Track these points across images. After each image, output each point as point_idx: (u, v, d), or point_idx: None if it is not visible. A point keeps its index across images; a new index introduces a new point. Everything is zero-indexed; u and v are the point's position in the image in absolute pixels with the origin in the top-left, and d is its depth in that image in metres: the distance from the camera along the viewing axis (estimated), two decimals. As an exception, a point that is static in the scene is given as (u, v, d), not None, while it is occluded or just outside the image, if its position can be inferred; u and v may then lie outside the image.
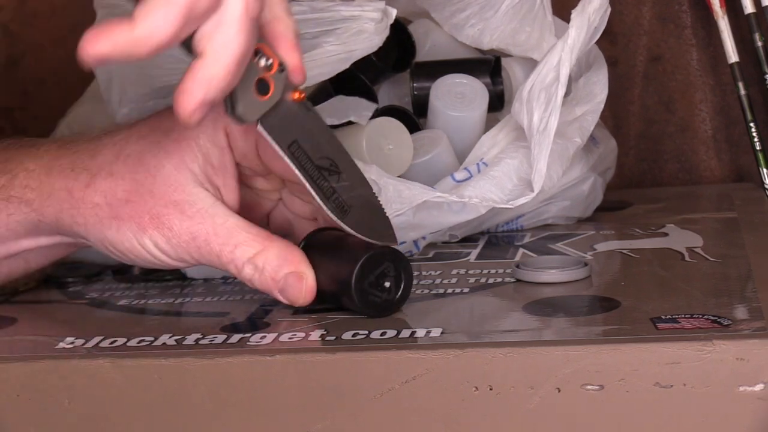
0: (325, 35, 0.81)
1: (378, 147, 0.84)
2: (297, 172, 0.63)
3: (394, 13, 0.81)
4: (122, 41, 0.55)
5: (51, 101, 1.23)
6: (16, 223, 0.70)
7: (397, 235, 0.67)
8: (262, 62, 0.59)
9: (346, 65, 0.81)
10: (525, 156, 0.81)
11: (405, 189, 0.78)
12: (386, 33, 0.81)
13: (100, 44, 0.55)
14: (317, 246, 0.67)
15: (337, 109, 0.83)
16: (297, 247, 0.67)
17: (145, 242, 0.67)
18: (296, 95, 0.61)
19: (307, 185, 0.64)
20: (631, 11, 1.14)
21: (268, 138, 0.62)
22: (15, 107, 1.25)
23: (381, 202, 0.66)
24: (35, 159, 0.69)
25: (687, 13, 1.14)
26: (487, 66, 0.92)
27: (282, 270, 0.66)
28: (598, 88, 0.88)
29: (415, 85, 0.92)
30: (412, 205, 0.78)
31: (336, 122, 0.82)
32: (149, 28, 0.55)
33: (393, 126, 0.85)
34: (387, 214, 0.66)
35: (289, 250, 0.66)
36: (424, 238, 0.83)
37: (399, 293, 0.65)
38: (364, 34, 0.80)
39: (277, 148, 0.63)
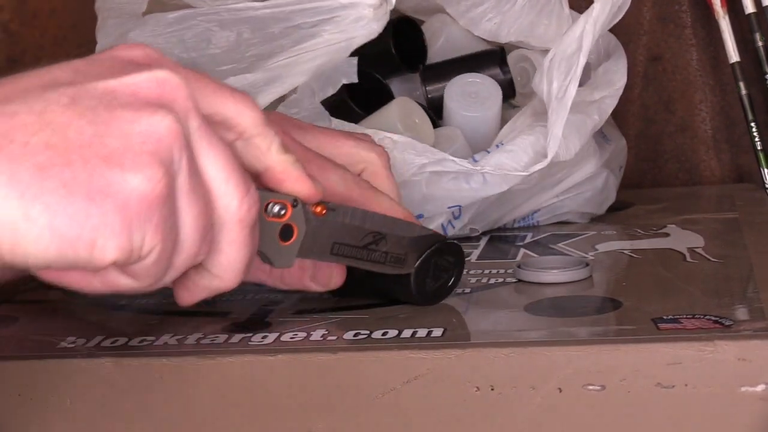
0: (324, 23, 0.81)
1: (409, 119, 0.87)
2: (346, 264, 0.64)
3: (393, 0, 0.81)
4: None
5: (51, 101, 1.23)
6: None
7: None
8: (276, 210, 0.59)
9: (346, 54, 0.81)
10: (542, 133, 0.82)
11: (419, 155, 0.79)
12: (386, 19, 0.81)
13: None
14: None
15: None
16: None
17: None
18: (318, 209, 0.60)
19: (362, 267, 0.64)
20: (631, 11, 1.13)
21: (310, 258, 0.63)
22: (15, 107, 1.25)
23: (423, 227, 0.67)
24: None
25: (687, 13, 1.14)
26: (494, 57, 0.93)
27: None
28: (617, 76, 0.89)
29: (428, 88, 0.93)
30: (426, 169, 0.78)
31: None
32: None
33: (414, 105, 0.89)
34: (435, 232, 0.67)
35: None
36: (452, 226, 0.83)
37: (450, 282, 0.67)
38: (362, 21, 0.80)
39: (320, 260, 0.63)
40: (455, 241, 0.67)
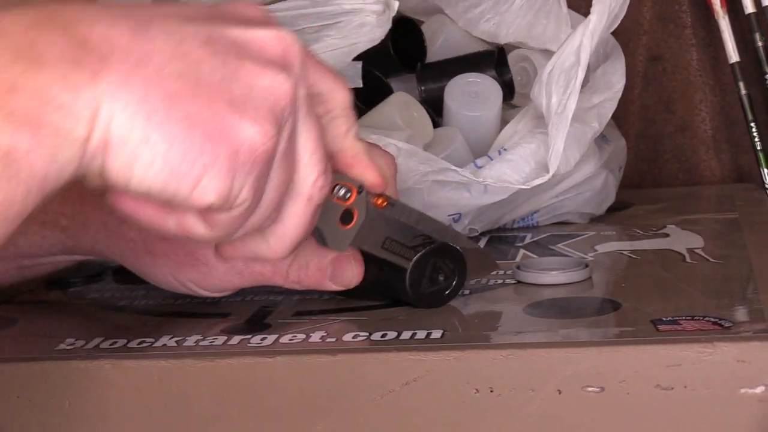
0: (327, 29, 0.81)
1: (407, 112, 0.87)
2: (394, 262, 0.64)
3: (396, 5, 0.81)
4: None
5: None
6: (51, 245, 0.69)
7: None
8: (341, 193, 0.60)
9: (349, 59, 0.81)
10: (542, 141, 0.82)
11: (422, 163, 0.79)
12: (388, 25, 0.81)
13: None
14: None
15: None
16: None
17: (181, 278, 0.67)
18: (379, 201, 0.62)
19: (404, 266, 0.64)
20: (631, 11, 1.14)
21: (362, 249, 0.64)
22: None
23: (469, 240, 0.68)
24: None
25: (687, 13, 1.14)
26: (491, 57, 0.93)
27: (326, 258, 0.65)
28: (615, 77, 0.89)
29: (422, 88, 0.93)
30: (429, 178, 0.78)
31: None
32: None
33: (412, 100, 0.89)
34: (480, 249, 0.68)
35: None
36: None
37: (450, 287, 0.66)
38: (366, 27, 0.80)
39: (371, 253, 0.64)
40: (459, 248, 0.67)
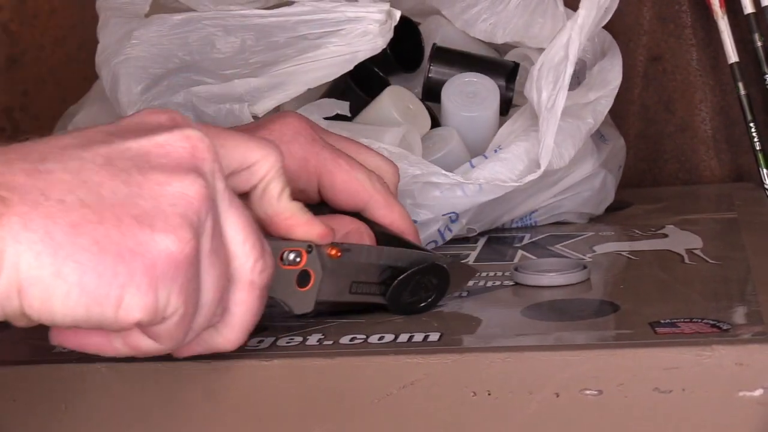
0: (329, 36, 0.81)
1: (402, 104, 0.87)
2: (365, 301, 0.64)
3: (398, 14, 0.81)
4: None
5: (51, 101, 1.23)
6: None
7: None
8: (291, 257, 0.59)
9: (350, 66, 0.81)
10: (536, 139, 0.82)
11: (412, 165, 0.79)
12: (390, 35, 0.81)
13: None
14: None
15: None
16: (340, 214, 0.68)
17: None
18: (333, 252, 0.61)
19: (380, 302, 0.64)
20: (631, 11, 1.14)
21: (330, 300, 0.63)
22: (15, 107, 1.25)
23: (434, 254, 0.67)
24: None
25: (687, 13, 1.14)
26: (505, 69, 0.92)
27: (338, 233, 0.65)
28: (612, 75, 0.89)
29: (432, 67, 0.92)
30: (420, 180, 0.78)
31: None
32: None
33: (407, 92, 0.90)
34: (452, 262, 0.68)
35: (334, 216, 0.67)
36: (450, 230, 0.83)
37: (426, 302, 0.66)
38: (368, 36, 0.80)
39: (341, 301, 0.63)
40: (445, 267, 0.66)
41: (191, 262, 0.50)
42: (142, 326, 0.51)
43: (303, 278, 0.60)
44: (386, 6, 0.81)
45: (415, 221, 0.80)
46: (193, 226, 0.50)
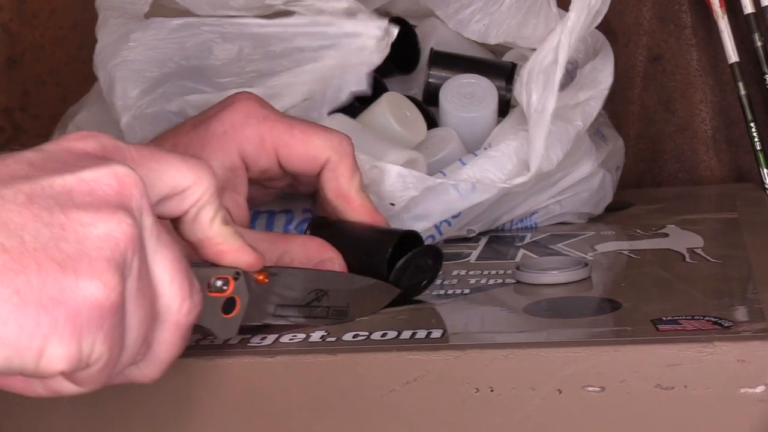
0: (326, 49, 0.81)
1: (399, 111, 0.87)
2: (291, 323, 0.63)
3: (396, 31, 0.81)
4: None
5: (51, 101, 1.23)
6: None
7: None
8: (218, 284, 0.58)
9: (347, 78, 0.81)
10: (525, 138, 0.81)
11: (398, 179, 0.78)
12: (387, 51, 0.82)
13: None
14: (329, 232, 0.69)
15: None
16: (315, 237, 0.68)
17: None
18: (261, 277, 0.60)
19: (304, 324, 0.63)
20: (631, 11, 1.15)
21: (252, 323, 0.62)
22: (15, 107, 1.25)
23: (365, 278, 0.67)
24: None
25: (687, 13, 1.14)
26: (504, 71, 0.93)
27: (311, 261, 0.66)
28: (603, 75, 0.88)
29: (431, 72, 0.93)
30: (410, 194, 0.78)
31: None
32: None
33: (403, 98, 0.89)
34: (375, 275, 0.67)
35: (310, 240, 0.67)
36: (449, 223, 0.83)
37: (423, 282, 0.68)
38: (365, 51, 0.80)
39: (262, 323, 0.62)
40: (438, 247, 0.69)
41: (116, 308, 0.48)
42: (65, 374, 0.48)
43: (229, 305, 0.58)
44: (384, 23, 0.81)
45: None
46: (119, 269, 0.47)
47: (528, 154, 0.80)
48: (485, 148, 0.83)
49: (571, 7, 0.79)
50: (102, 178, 0.49)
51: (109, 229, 0.48)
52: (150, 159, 0.53)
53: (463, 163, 0.83)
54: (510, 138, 0.83)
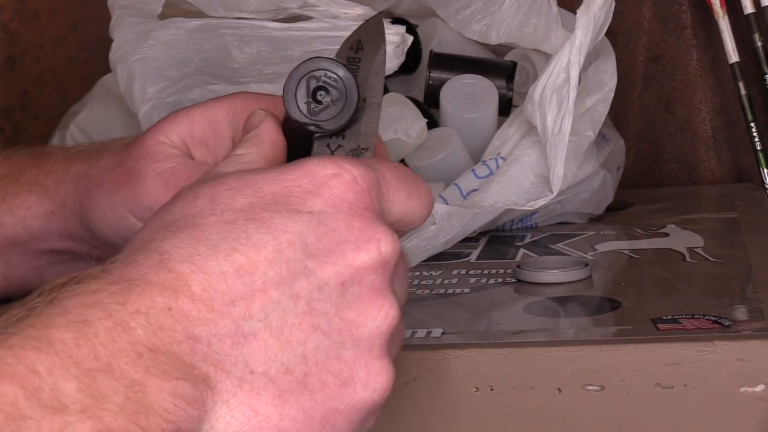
0: None
1: (400, 112, 0.87)
2: None
3: (410, 40, 0.82)
4: None
5: (51, 101, 1.23)
6: (33, 218, 0.69)
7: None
8: None
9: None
10: (539, 152, 0.82)
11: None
12: (402, 58, 0.81)
13: None
14: None
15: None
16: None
17: (117, 207, 0.65)
18: None
19: None
20: (631, 11, 1.14)
21: None
22: (15, 107, 1.25)
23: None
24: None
25: (687, 13, 1.14)
26: (504, 70, 0.93)
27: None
28: (607, 76, 0.89)
29: (431, 74, 0.93)
30: (433, 222, 0.77)
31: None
32: None
33: (405, 100, 0.89)
34: None
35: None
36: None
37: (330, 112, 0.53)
38: None
39: None
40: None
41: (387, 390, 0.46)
42: None
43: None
44: (402, 29, 0.81)
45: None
46: (390, 356, 0.46)
47: (546, 170, 0.80)
48: (495, 159, 0.84)
49: (577, 24, 0.80)
50: (371, 263, 0.46)
51: (377, 326, 0.46)
52: (396, 186, 0.49)
53: (477, 177, 0.83)
54: (526, 154, 0.83)
